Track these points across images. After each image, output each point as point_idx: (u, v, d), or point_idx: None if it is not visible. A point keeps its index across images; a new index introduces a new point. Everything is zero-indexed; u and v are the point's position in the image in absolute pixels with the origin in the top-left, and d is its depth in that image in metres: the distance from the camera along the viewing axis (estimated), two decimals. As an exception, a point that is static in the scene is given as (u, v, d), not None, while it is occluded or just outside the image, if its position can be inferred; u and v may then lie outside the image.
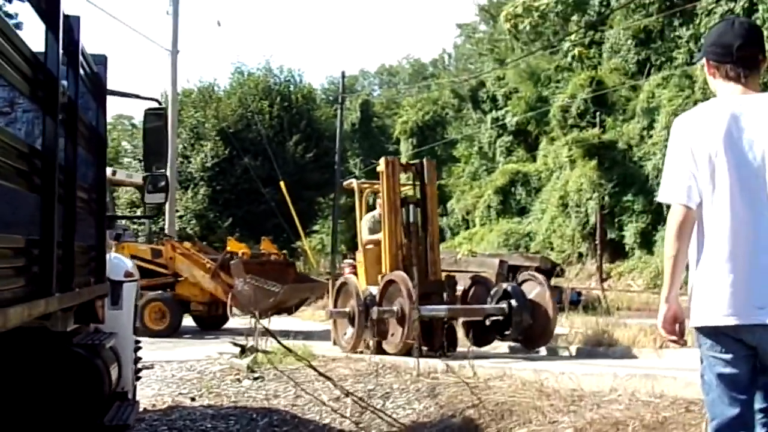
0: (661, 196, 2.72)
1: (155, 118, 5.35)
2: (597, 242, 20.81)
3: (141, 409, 5.97)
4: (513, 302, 8.79)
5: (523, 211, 26.15)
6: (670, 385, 5.22)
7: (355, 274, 10.32)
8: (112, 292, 4.83)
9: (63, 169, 3.20)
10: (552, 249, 22.97)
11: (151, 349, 9.09)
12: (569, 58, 24.92)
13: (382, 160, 9.71)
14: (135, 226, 25.23)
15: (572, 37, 24.91)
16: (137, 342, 6.01)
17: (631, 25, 22.36)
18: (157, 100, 5.67)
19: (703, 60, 2.81)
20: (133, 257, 13.51)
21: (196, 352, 10.42)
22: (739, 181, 2.57)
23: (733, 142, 2.58)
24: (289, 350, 4.95)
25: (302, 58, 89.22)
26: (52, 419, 3.89)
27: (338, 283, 10.08)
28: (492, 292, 9.20)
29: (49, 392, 3.90)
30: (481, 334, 9.38)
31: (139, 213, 22.85)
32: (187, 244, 14.30)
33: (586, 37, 24.55)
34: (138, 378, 6.28)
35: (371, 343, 9.09)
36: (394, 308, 8.67)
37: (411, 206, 9.62)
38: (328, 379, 3.88)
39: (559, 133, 23.71)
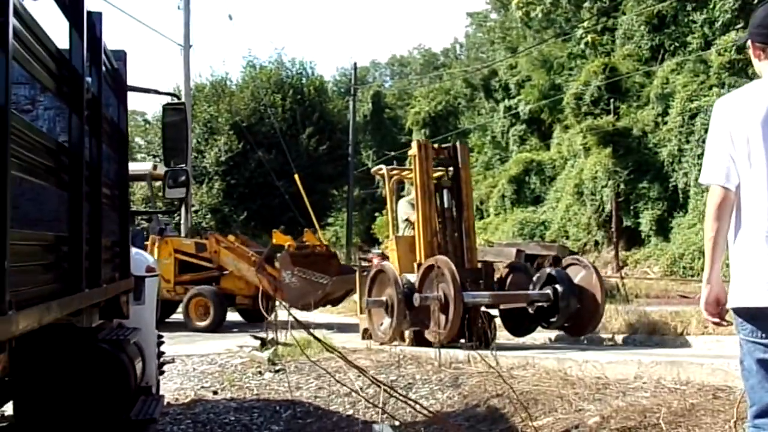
0: (701, 178, 2.72)
1: (174, 113, 5.35)
2: (613, 230, 20.74)
3: (164, 404, 6.00)
4: (559, 287, 8.42)
5: (537, 200, 26.08)
6: (696, 372, 5.20)
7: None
8: (134, 288, 4.85)
9: (88, 165, 3.21)
10: (567, 237, 22.90)
11: (171, 344, 9.15)
12: (582, 45, 24.78)
13: (414, 143, 9.40)
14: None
15: (585, 23, 24.76)
16: (160, 336, 6.05)
17: (644, 11, 22.19)
18: (176, 95, 5.68)
19: (748, 42, 2.78)
20: (177, 252, 13.30)
21: (216, 346, 10.47)
22: None
23: None
24: (323, 343, 4.92)
25: (313, 50, 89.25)
26: (80, 415, 3.92)
27: (373, 271, 9.39)
28: (535, 278, 8.83)
29: (77, 388, 3.92)
30: (520, 324, 9.06)
31: (150, 208, 22.95)
32: (231, 238, 13.94)
33: (599, 24, 24.40)
34: (161, 372, 6.31)
35: (407, 333, 8.80)
36: (437, 294, 8.21)
37: (445, 191, 9.28)
38: (359, 369, 3.89)
39: (573, 120, 23.58)
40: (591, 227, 22.39)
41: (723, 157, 2.63)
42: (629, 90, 22.50)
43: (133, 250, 5.44)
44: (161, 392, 5.98)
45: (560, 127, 25.80)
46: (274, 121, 27.68)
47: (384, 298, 8.94)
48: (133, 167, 14.35)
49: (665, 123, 20.29)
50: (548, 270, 8.85)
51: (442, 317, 8.11)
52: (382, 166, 10.90)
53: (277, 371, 8.02)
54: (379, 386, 4.51)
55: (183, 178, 5.48)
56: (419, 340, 8.58)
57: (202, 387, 7.84)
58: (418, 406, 4.45)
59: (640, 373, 5.56)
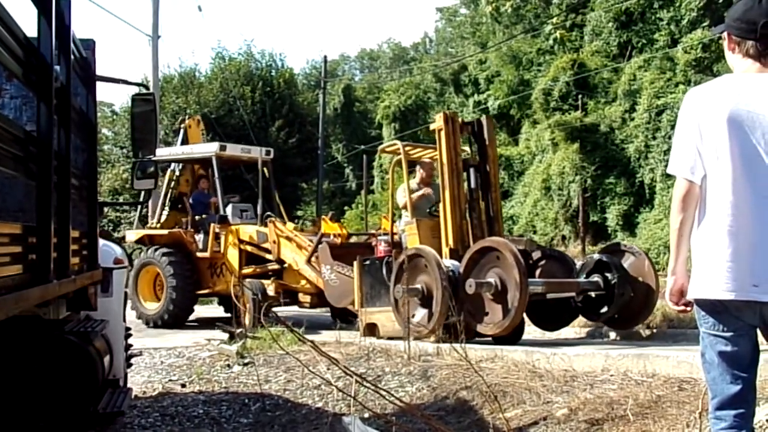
0: (669, 168, 2.75)
1: (143, 103, 5.32)
2: (580, 225, 20.91)
3: (132, 396, 5.97)
4: (610, 275, 7.71)
5: (505, 195, 26.16)
6: (662, 365, 5.27)
7: (390, 251, 8.93)
8: (102, 280, 4.80)
9: (57, 155, 3.17)
10: (535, 232, 23.05)
11: (139, 336, 9.09)
12: (551, 41, 24.91)
13: (439, 116, 8.46)
14: (119, 213, 25.05)
15: (554, 20, 24.90)
16: (127, 329, 6.02)
17: (612, 8, 22.37)
18: (145, 86, 5.63)
19: (724, 33, 2.79)
20: (241, 241, 12.05)
21: (184, 339, 10.42)
22: (742, 157, 2.57)
23: (740, 119, 2.58)
24: (296, 333, 4.87)
25: (282, 42, 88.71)
26: (46, 408, 3.88)
27: (404, 256, 8.13)
28: (579, 265, 8.11)
29: (43, 381, 3.88)
30: (555, 316, 8.31)
31: (121, 200, 22.69)
32: (290, 226, 12.06)
33: (568, 20, 24.56)
34: (129, 365, 6.28)
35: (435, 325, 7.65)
36: (491, 281, 7.37)
37: (471, 170, 8.48)
38: (331, 359, 3.89)
39: (542, 116, 23.73)
40: (558, 222, 22.56)
41: (690, 150, 2.65)
42: (597, 86, 22.69)
43: (101, 241, 5.40)
44: (129, 385, 5.96)
45: (529, 122, 25.95)
46: (244, 114, 27.49)
47: (419, 286, 7.93)
48: (198, 149, 13.65)
49: (632, 119, 20.49)
50: (597, 256, 8.10)
51: (497, 307, 7.34)
52: (397, 142, 9.92)
53: (245, 364, 8.00)
54: (351, 377, 4.51)
55: (152, 169, 5.44)
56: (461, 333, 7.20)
57: (170, 380, 7.80)
58: (390, 396, 4.46)
59: (607, 365, 5.63)
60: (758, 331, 2.67)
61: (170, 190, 14.00)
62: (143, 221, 15.71)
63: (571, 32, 24.52)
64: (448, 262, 7.89)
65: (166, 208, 13.94)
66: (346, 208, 31.81)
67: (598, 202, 21.35)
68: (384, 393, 4.45)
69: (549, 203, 22.89)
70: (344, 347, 7.78)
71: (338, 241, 11.12)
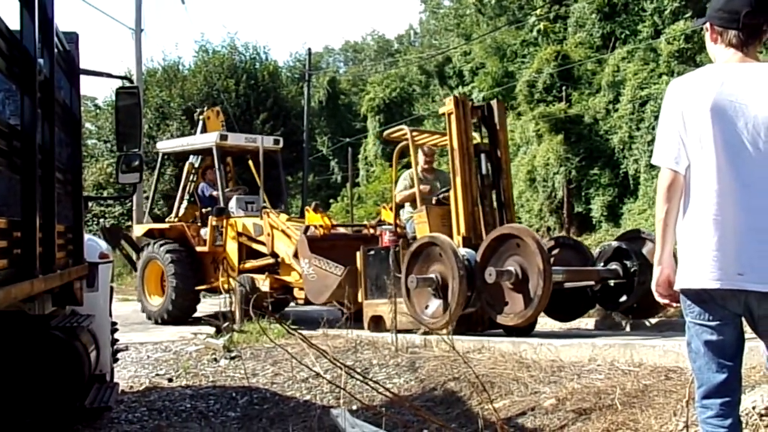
0: (653, 158, 2.76)
1: (127, 97, 5.29)
2: (564, 216, 20.99)
3: (119, 391, 5.95)
4: (629, 263, 7.45)
5: (491, 186, 26.21)
6: (649, 354, 5.31)
7: (397, 240, 8.59)
8: (88, 274, 4.78)
9: (41, 149, 3.15)
10: (520, 223, 23.10)
11: (125, 331, 9.06)
12: (535, 33, 24.93)
13: (449, 99, 8.19)
14: (103, 208, 24.91)
15: (537, 11, 24.92)
16: (113, 324, 6.00)
17: (595, -1, 22.41)
18: (129, 79, 5.60)
19: (707, 24, 2.80)
20: (239, 234, 11.60)
21: (171, 333, 10.39)
22: (725, 146, 2.58)
23: (723, 108, 2.59)
24: (285, 326, 4.82)
25: (266, 34, 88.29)
26: (33, 403, 3.86)
27: (416, 245, 7.79)
28: (596, 253, 7.89)
29: (30, 376, 3.86)
30: (572, 306, 7.99)
31: (106, 194, 22.57)
32: (283, 217, 11.46)
33: (551, 12, 24.58)
34: (116, 360, 6.27)
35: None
36: (511, 269, 6.98)
37: (482, 155, 8.17)
38: (320, 351, 3.88)
39: (526, 108, 23.75)
40: (543, 213, 22.64)
41: (673, 140, 2.66)
42: (581, 77, 22.72)
43: (86, 236, 5.36)
44: (115, 380, 5.95)
45: (513, 114, 25.97)
46: (228, 107, 27.35)
47: (433, 276, 7.53)
48: (198, 139, 13.25)
49: (616, 110, 20.54)
50: (615, 244, 7.80)
51: (518, 296, 7.00)
52: (404, 126, 9.44)
53: (232, 358, 7.99)
54: (341, 368, 4.52)
55: (137, 163, 5.41)
56: (469, 325, 7.26)
57: (157, 374, 7.78)
58: (379, 388, 4.46)
59: (594, 355, 5.66)
60: (743, 320, 2.69)
61: (189, 183, 13.63)
62: (154, 215, 15.34)
63: (555, 24, 24.55)
64: (463, 251, 7.48)
65: (185, 201, 13.58)
66: (331, 201, 31.78)
67: (583, 193, 21.42)
68: (372, 384, 4.46)
69: (534, 195, 22.95)
70: (331, 340, 7.79)
71: (319, 233, 10.41)
